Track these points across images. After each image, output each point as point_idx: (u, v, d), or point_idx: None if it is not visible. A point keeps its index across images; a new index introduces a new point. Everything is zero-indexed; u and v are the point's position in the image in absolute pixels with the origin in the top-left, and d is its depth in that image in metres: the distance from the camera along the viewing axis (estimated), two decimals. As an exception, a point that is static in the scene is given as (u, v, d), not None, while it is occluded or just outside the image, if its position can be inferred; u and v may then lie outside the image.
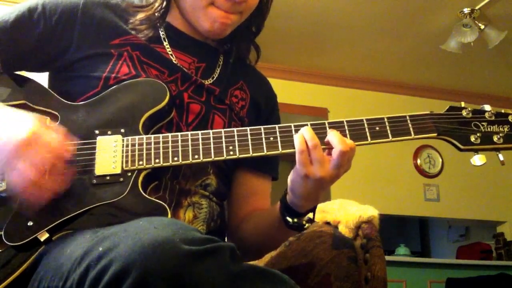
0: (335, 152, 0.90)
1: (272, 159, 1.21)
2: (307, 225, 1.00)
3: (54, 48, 1.06)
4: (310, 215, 1.00)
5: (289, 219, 1.00)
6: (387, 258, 1.74)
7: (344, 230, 1.18)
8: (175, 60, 1.10)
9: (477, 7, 3.73)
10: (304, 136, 0.92)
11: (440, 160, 4.80)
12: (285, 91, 4.37)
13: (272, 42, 4.15)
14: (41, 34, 1.04)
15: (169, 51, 1.11)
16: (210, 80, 1.13)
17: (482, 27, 3.78)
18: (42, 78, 1.12)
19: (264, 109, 1.22)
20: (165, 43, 1.11)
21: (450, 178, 4.78)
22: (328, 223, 1.20)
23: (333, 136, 0.92)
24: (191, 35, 1.15)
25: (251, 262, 1.17)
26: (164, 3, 1.10)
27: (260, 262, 1.27)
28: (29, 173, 0.84)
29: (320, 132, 0.94)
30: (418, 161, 4.76)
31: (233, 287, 0.66)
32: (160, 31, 1.12)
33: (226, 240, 1.20)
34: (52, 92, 1.01)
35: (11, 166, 0.85)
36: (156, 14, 1.10)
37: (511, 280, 3.90)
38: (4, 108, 0.94)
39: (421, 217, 5.32)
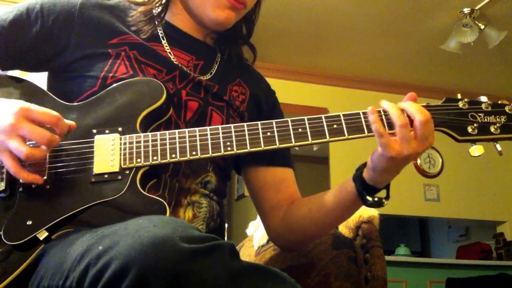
0: (418, 124, 0.90)
1: (285, 152, 1.21)
2: (385, 202, 1.00)
3: (51, 48, 1.06)
4: (384, 192, 1.00)
5: (369, 198, 0.99)
6: (387, 258, 1.73)
7: (344, 230, 1.18)
8: (173, 58, 1.10)
9: (477, 7, 3.73)
10: (394, 115, 0.91)
11: (440, 160, 4.77)
12: (285, 91, 4.38)
13: (272, 42, 4.15)
14: (39, 33, 1.05)
15: (167, 49, 1.11)
16: (208, 76, 1.14)
17: (482, 27, 3.78)
18: (40, 79, 1.13)
19: (265, 104, 1.23)
20: (163, 42, 1.12)
21: (450, 178, 4.78)
22: (328, 223, 1.20)
23: (409, 105, 0.92)
24: (190, 33, 1.16)
25: (251, 261, 1.17)
26: (164, 0, 1.11)
27: (260, 262, 1.27)
28: (22, 149, 0.85)
29: (355, 120, 0.95)
30: (418, 161, 4.73)
31: (233, 285, 0.66)
32: (158, 30, 1.12)
33: (225, 239, 1.20)
34: (49, 93, 1.02)
35: (5, 146, 0.86)
36: (154, 10, 1.11)
37: (511, 280, 3.90)
38: None
39: (421, 217, 5.32)
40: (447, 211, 4.82)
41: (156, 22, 1.11)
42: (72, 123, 0.93)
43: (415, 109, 0.91)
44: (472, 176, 4.84)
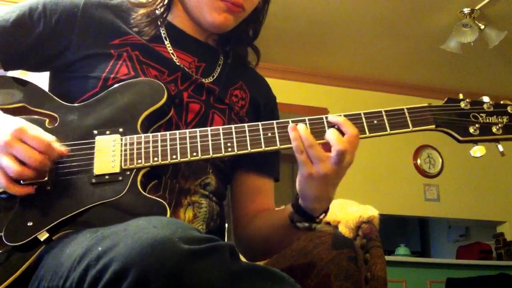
0: (333, 151, 0.90)
1: (273, 161, 1.21)
2: (315, 225, 0.99)
3: (53, 47, 1.06)
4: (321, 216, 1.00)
5: (300, 225, 0.99)
6: (387, 258, 1.73)
7: (344, 230, 1.18)
8: (176, 59, 1.10)
9: (477, 7, 3.73)
10: (300, 135, 0.91)
11: (440, 160, 4.80)
12: (285, 91, 4.38)
13: (272, 42, 4.15)
14: (41, 33, 1.05)
15: (170, 50, 1.11)
16: (210, 79, 1.14)
17: (482, 27, 3.78)
18: (42, 79, 1.13)
19: (264, 109, 1.22)
20: (166, 42, 1.12)
21: (450, 178, 4.78)
22: (328, 223, 1.20)
23: (331, 134, 0.91)
24: (192, 34, 1.16)
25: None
26: (166, 0, 1.11)
27: (260, 262, 1.27)
28: (13, 168, 0.85)
29: (318, 127, 0.94)
30: (418, 161, 4.76)
31: (233, 286, 0.67)
32: (161, 30, 1.12)
33: (226, 239, 1.20)
34: (51, 94, 1.02)
35: None
36: (157, 10, 1.11)
37: (511, 280, 3.90)
38: None
39: (421, 217, 5.32)
40: (447, 211, 4.82)
41: (159, 23, 1.11)
42: (63, 151, 0.91)
43: (335, 139, 0.90)
44: (472, 176, 4.84)
